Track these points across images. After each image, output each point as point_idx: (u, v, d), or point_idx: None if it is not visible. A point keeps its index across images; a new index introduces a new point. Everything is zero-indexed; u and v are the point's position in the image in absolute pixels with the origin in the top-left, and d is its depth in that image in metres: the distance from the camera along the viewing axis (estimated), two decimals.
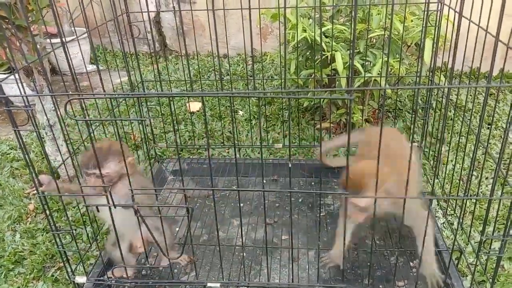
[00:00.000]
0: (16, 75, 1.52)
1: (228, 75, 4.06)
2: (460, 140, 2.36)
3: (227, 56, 4.27)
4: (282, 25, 2.24)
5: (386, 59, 2.13)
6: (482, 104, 1.65)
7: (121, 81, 3.30)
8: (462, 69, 2.41)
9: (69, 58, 1.71)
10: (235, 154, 1.48)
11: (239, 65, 4.50)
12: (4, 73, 3.55)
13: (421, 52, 2.28)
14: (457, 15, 1.86)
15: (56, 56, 1.91)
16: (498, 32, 1.35)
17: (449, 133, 2.86)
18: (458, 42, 1.83)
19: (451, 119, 2.60)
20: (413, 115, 1.63)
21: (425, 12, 1.65)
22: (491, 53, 1.34)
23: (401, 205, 1.40)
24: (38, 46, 1.56)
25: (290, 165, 1.37)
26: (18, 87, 1.51)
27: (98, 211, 1.59)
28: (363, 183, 1.42)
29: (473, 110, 3.09)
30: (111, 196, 1.43)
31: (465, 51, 1.88)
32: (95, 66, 4.55)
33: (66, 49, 1.63)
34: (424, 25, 2.08)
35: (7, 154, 3.07)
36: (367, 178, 1.38)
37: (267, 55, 4.35)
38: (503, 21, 1.31)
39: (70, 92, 1.53)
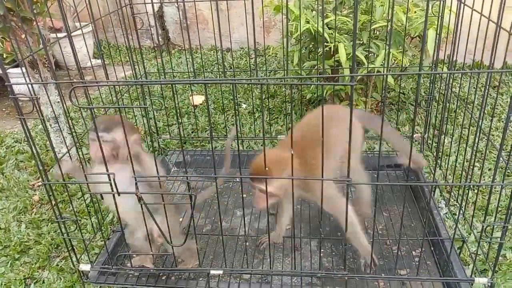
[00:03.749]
0: (22, 67, 1.54)
1: (231, 68, 4.08)
2: (463, 131, 2.37)
3: (230, 50, 4.28)
4: (284, 17, 2.25)
5: (389, 50, 2.14)
6: (483, 92, 1.65)
7: (125, 75, 3.33)
8: (464, 60, 2.41)
9: (74, 49, 1.74)
10: (237, 143, 1.49)
11: (242, 58, 4.50)
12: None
13: (424, 41, 2.27)
14: (459, 3, 1.87)
15: (61, 49, 1.95)
16: (500, 19, 1.35)
17: (452, 125, 2.86)
18: (461, 29, 1.84)
19: (454, 111, 2.60)
20: (415, 106, 1.62)
21: (427, 1, 1.67)
22: (493, 43, 1.35)
23: (309, 190, 1.65)
24: (43, 37, 1.57)
25: (291, 152, 1.38)
26: (24, 78, 1.53)
27: (102, 198, 1.60)
28: (269, 170, 1.51)
29: (476, 103, 3.09)
30: (115, 183, 1.44)
31: (467, 42, 1.88)
32: (98, 61, 4.59)
33: (71, 40, 1.66)
34: (426, 15, 2.08)
35: (12, 147, 3.10)
36: (270, 165, 1.50)
37: (270, 48, 4.36)
38: (505, 14, 1.32)
39: (75, 81, 1.54)
